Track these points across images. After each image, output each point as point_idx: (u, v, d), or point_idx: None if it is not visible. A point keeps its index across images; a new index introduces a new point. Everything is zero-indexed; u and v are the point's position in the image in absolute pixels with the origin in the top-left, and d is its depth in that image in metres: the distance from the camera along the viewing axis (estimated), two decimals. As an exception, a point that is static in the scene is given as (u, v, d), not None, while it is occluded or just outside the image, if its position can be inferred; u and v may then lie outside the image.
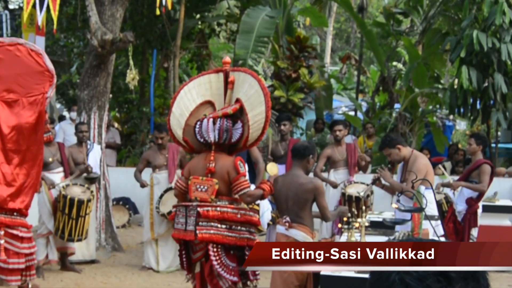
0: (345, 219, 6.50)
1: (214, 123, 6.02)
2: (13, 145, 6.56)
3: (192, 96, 6.32)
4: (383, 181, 7.28)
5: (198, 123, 6.12)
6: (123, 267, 9.38)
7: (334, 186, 9.46)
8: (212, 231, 5.93)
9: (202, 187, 6.04)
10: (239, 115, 6.08)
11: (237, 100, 6.14)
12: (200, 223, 5.93)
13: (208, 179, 6.03)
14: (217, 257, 5.95)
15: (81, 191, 8.83)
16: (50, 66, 6.55)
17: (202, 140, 6.11)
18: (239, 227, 5.99)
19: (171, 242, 9.11)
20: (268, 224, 8.13)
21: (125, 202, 12.46)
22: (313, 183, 6.08)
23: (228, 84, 6.24)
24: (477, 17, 13.11)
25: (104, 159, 10.37)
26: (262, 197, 6.17)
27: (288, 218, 6.02)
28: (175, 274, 9.01)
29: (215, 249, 5.95)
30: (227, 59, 6.35)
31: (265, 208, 7.76)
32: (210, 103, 6.32)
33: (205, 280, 6.13)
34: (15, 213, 6.67)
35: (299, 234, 6.01)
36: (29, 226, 6.85)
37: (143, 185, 9.18)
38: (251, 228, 6.08)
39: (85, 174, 9.23)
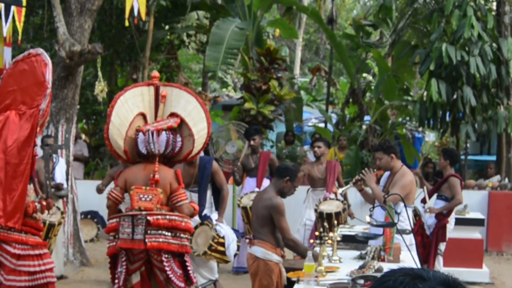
0: (317, 233, 6.46)
1: (158, 135, 6.16)
2: (10, 159, 6.26)
3: (129, 106, 6.37)
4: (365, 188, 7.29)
5: (141, 134, 6.20)
6: (92, 283, 9.21)
7: None
8: (161, 239, 6.07)
9: (146, 196, 6.17)
10: (177, 129, 6.30)
11: (173, 114, 6.35)
12: (149, 232, 6.03)
13: (152, 188, 6.18)
14: (169, 265, 6.11)
15: (52, 212, 8.57)
16: (49, 77, 6.20)
17: (145, 151, 6.22)
18: (181, 235, 6.17)
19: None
20: (235, 255, 8.07)
21: (93, 216, 12.27)
22: (272, 200, 5.94)
23: (160, 98, 6.39)
24: (446, 30, 13.22)
25: (72, 172, 10.20)
26: (192, 215, 6.39)
27: (251, 235, 6.06)
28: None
29: (167, 257, 6.11)
30: (156, 73, 6.48)
31: (231, 240, 7.73)
32: (142, 115, 6.44)
33: None
34: (12, 229, 6.19)
35: (258, 250, 6.01)
36: (33, 243, 6.28)
37: (100, 190, 9.21)
38: (188, 236, 6.32)
39: (53, 190, 9.05)
